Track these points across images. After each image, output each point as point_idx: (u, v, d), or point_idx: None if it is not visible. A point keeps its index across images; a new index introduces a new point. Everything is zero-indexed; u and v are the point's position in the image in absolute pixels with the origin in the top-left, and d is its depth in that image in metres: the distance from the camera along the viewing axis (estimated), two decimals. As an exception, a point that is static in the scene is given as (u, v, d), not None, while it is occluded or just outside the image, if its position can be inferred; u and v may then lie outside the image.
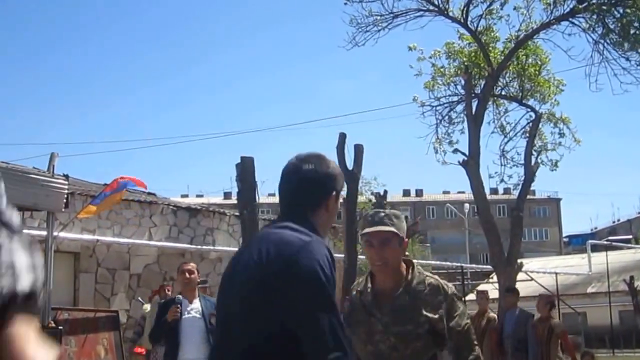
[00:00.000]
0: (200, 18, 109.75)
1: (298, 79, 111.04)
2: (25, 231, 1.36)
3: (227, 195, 63.72)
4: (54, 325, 10.47)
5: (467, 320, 3.43)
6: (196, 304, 6.90)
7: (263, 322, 2.21)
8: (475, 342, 3.44)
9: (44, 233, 10.95)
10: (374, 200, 17.80)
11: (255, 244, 2.38)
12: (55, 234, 10.95)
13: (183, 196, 62.95)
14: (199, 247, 14.98)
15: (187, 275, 6.86)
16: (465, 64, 14.68)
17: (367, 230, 3.35)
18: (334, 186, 2.48)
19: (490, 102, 15.07)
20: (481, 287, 21.61)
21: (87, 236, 12.98)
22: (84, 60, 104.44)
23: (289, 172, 2.49)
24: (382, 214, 3.40)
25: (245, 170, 14.13)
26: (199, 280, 7.41)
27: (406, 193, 77.46)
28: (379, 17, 13.95)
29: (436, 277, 3.51)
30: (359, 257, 11.24)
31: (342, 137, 15.55)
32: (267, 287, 2.21)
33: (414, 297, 3.33)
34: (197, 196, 68.83)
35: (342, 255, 11.40)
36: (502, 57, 14.44)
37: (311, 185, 2.43)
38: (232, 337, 2.30)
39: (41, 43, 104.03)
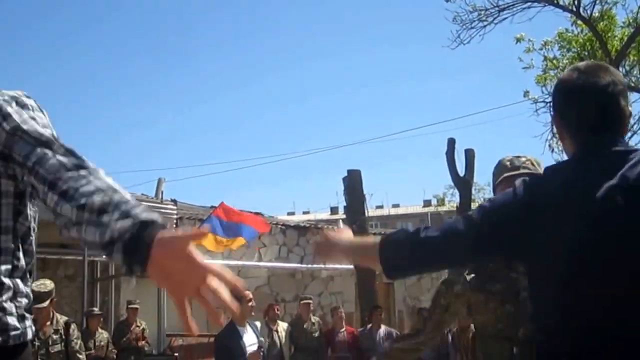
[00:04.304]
0: (307, 32, 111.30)
1: (401, 86, 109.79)
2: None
3: (333, 210, 63.68)
4: (169, 351, 10.41)
5: None
6: None
7: None
8: None
9: (155, 259, 10.92)
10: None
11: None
12: (166, 259, 10.90)
13: (289, 214, 63.42)
14: (310, 266, 14.68)
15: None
16: (580, 55, 13.94)
17: (508, 174, 2.87)
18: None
19: (609, 94, 14.31)
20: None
21: (197, 260, 12.91)
22: (188, 85, 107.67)
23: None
24: (524, 158, 2.94)
25: (353, 183, 13.80)
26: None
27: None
28: (483, 12, 13.52)
29: None
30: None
31: (452, 142, 14.98)
32: None
33: None
34: (304, 213, 69.23)
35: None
36: (621, 45, 13.64)
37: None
38: None
39: (147, 70, 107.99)
